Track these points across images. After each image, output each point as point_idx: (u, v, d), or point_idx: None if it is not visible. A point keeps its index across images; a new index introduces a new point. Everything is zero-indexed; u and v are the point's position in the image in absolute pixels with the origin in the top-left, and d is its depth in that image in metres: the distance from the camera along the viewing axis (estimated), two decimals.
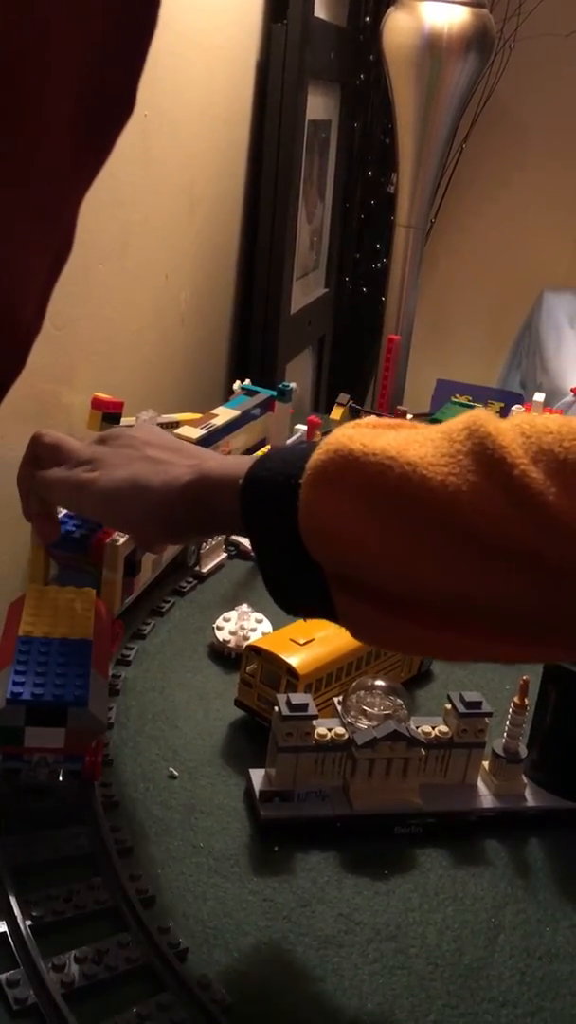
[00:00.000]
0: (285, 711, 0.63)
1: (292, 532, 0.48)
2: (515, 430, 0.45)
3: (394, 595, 0.47)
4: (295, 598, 0.52)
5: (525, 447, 0.44)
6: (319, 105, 1.59)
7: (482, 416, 0.46)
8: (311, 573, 0.49)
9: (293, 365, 1.64)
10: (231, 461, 0.56)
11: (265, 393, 1.07)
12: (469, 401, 1.50)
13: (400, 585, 0.46)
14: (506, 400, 1.72)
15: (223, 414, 0.98)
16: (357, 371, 1.97)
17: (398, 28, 1.40)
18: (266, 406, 1.06)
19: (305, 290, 1.71)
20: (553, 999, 0.55)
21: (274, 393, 1.08)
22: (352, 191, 1.84)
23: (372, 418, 0.51)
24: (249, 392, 1.08)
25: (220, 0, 1.22)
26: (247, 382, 1.10)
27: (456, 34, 1.35)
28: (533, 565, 0.43)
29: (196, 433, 0.92)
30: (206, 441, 0.93)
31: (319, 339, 1.88)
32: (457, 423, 0.47)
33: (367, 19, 1.68)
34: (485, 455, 0.44)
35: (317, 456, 0.47)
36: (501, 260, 2.12)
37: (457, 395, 1.69)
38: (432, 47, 1.36)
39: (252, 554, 0.52)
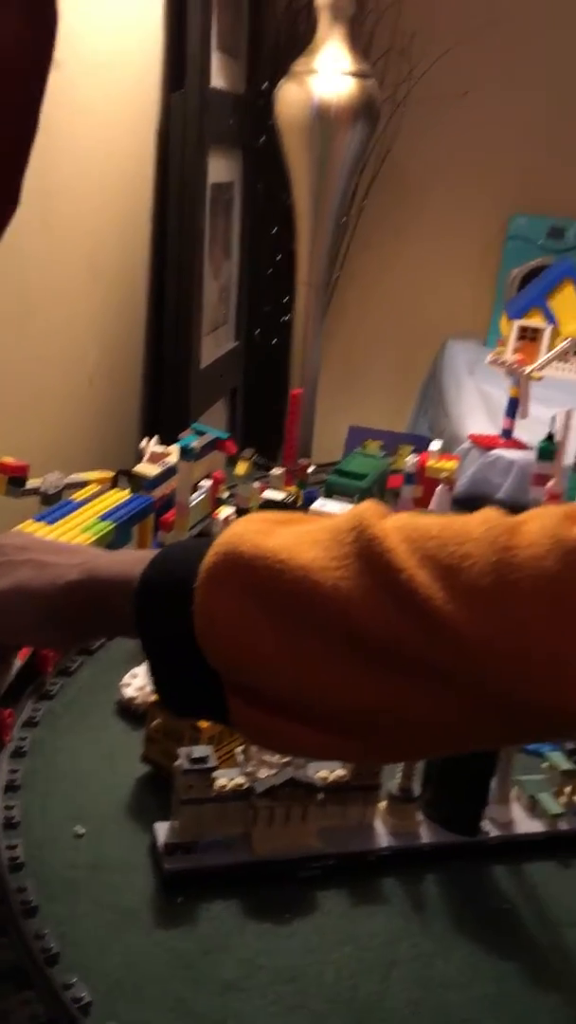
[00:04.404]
0: (186, 765, 0.65)
1: (188, 637, 0.47)
2: (399, 533, 0.44)
3: (292, 702, 0.46)
4: (188, 702, 0.51)
5: (410, 551, 0.43)
6: (222, 168, 1.65)
7: (367, 514, 0.45)
8: (206, 678, 0.48)
9: (206, 418, 1.68)
10: (122, 559, 0.54)
11: (214, 433, 1.16)
12: (380, 448, 1.55)
13: (299, 694, 0.45)
14: (417, 443, 1.77)
15: (175, 452, 1.07)
16: (270, 421, 2.01)
17: (289, 99, 1.46)
18: (213, 446, 1.16)
19: (216, 343, 1.76)
20: None
21: (224, 435, 1.16)
22: (258, 247, 1.90)
23: (265, 513, 0.51)
24: (198, 432, 1.16)
25: (117, 72, 1.27)
26: (155, 439, 1.13)
27: (344, 105, 1.42)
28: (426, 674, 0.42)
29: (154, 470, 1.02)
30: (163, 477, 1.03)
31: (231, 391, 1.93)
32: (344, 521, 0.46)
33: (266, 84, 1.75)
34: (372, 558, 0.43)
35: (209, 559, 0.46)
36: (407, 310, 2.19)
37: (369, 440, 1.74)
38: (321, 117, 1.43)
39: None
